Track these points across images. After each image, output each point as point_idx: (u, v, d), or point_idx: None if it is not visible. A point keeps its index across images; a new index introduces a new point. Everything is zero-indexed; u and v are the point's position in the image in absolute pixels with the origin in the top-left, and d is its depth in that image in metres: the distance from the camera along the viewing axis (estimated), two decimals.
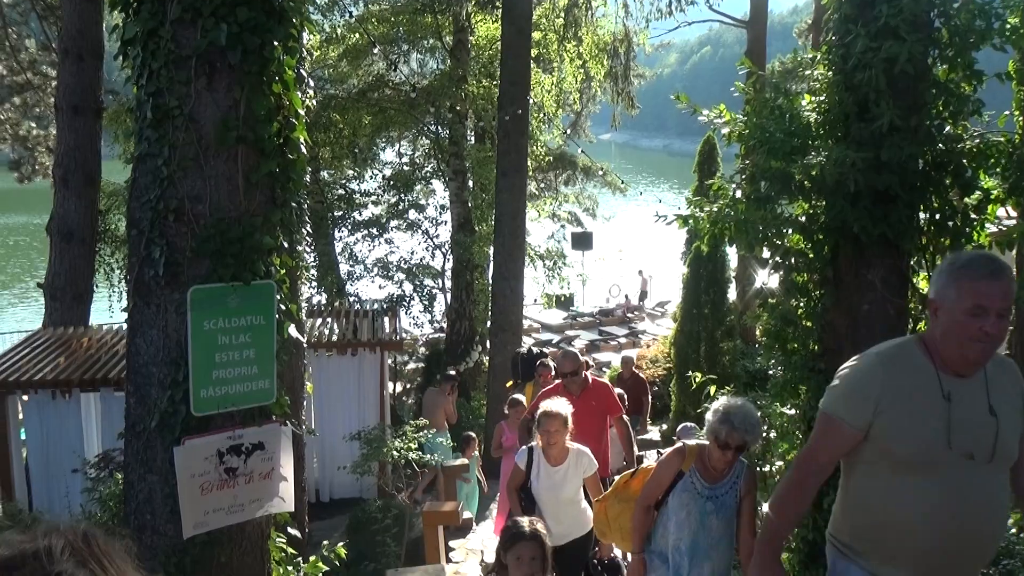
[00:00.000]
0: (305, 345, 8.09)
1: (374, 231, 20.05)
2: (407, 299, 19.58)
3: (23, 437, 9.69)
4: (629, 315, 27.85)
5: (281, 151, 4.32)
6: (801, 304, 5.37)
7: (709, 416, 4.49)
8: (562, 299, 25.10)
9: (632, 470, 5.24)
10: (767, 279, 5.81)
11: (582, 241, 27.69)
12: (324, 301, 17.16)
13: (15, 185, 21.45)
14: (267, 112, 4.16)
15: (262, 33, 4.07)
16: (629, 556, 5.05)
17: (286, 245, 4.50)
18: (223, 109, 4.07)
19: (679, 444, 4.86)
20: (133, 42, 4.10)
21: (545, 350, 10.87)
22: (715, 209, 5.35)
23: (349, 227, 20.18)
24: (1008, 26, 4.66)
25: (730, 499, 4.63)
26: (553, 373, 8.55)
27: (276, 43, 4.16)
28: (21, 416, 9.66)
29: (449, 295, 19.78)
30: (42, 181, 19.10)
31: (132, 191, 4.23)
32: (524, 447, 5.98)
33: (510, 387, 10.46)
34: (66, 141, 12.39)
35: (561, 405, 5.72)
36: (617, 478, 5.32)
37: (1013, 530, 5.05)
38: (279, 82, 4.24)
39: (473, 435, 10.97)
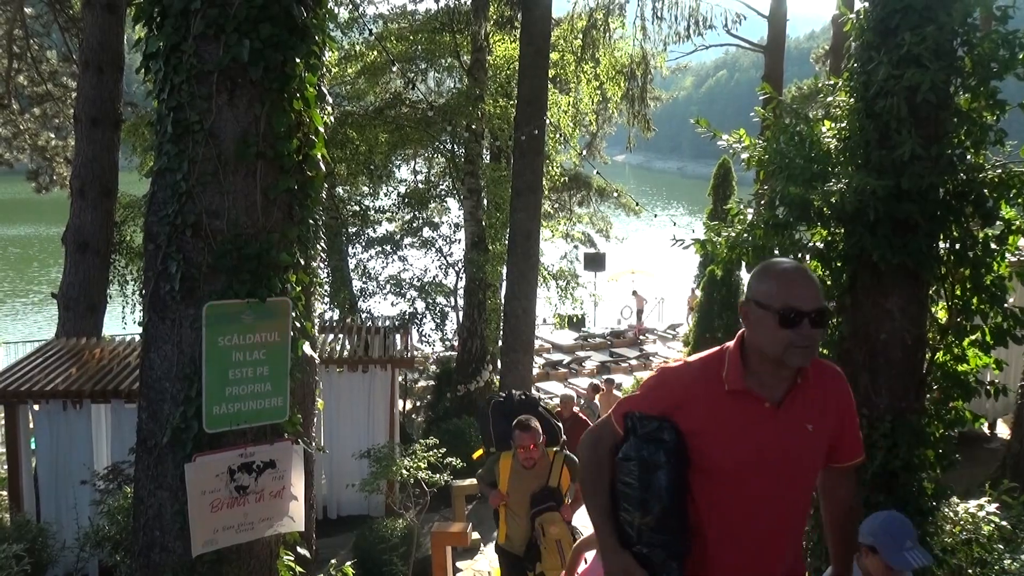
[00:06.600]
0: (317, 361, 8.06)
1: (388, 248, 20.08)
2: (419, 317, 19.56)
3: (33, 447, 9.69)
4: (640, 337, 27.75)
5: (300, 168, 4.32)
6: None
7: None
8: (574, 320, 25.01)
9: None
10: None
11: (595, 262, 27.67)
12: (336, 317, 17.19)
13: (32, 195, 21.63)
14: (287, 129, 4.16)
15: (284, 50, 4.08)
16: None
17: (302, 262, 4.49)
18: (243, 125, 4.07)
19: None
20: (155, 56, 4.12)
21: (533, 396, 6.86)
22: (732, 234, 5.33)
23: (363, 243, 20.22)
24: None
25: None
26: (542, 439, 5.74)
27: (298, 60, 4.16)
28: (32, 426, 9.67)
29: (461, 313, 19.72)
30: (59, 191, 19.28)
31: (150, 205, 4.22)
32: None
33: (480, 457, 6.94)
34: (84, 152, 12.48)
35: None
36: None
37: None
38: (300, 99, 4.24)
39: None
